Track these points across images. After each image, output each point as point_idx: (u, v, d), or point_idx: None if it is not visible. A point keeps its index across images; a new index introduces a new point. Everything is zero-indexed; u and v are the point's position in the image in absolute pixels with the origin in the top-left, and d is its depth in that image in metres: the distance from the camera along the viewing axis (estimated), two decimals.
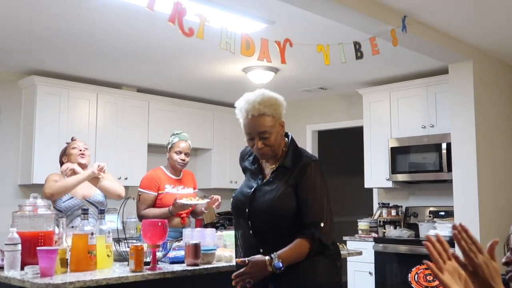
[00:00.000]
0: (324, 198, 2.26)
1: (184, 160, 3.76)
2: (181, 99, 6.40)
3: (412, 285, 2.48)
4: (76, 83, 5.48)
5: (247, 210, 2.31)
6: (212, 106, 6.70)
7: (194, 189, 3.90)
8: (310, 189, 2.24)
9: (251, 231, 2.31)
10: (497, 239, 1.31)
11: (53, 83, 5.30)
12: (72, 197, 3.55)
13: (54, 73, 5.36)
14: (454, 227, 1.25)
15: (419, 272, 2.50)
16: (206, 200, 3.69)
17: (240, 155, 2.63)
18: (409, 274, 2.50)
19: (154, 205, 3.68)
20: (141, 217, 3.61)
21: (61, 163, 3.74)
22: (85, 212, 2.64)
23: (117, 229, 3.07)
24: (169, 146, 3.76)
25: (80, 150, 3.70)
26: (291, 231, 2.23)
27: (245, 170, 2.56)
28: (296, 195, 2.24)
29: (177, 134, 3.83)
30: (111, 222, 3.21)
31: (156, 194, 3.68)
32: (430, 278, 2.47)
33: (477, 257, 1.20)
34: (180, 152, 3.74)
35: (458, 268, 1.23)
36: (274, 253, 2.14)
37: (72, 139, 3.83)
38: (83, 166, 3.67)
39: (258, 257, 2.15)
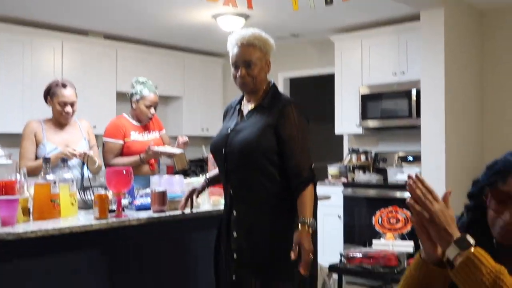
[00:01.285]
0: (308, 139, 2.31)
1: (153, 114, 3.69)
2: (151, 46, 6.26)
3: (376, 227, 2.52)
4: (39, 29, 5.29)
5: (223, 150, 2.33)
6: (183, 53, 6.58)
7: (160, 131, 3.83)
8: (295, 131, 2.26)
9: (226, 174, 2.34)
10: (450, 189, 1.35)
11: (15, 30, 5.11)
12: (55, 148, 3.31)
13: (16, 19, 5.15)
14: (409, 177, 1.25)
15: (382, 215, 2.54)
16: (180, 150, 3.66)
17: (224, 111, 2.60)
18: (373, 217, 2.54)
19: (121, 153, 3.62)
20: (110, 167, 3.54)
21: (45, 98, 3.43)
22: (64, 160, 2.62)
23: (88, 178, 3.02)
24: (138, 97, 3.62)
25: (67, 112, 3.35)
26: (265, 174, 2.24)
27: (225, 118, 2.56)
28: (277, 136, 2.26)
29: (143, 83, 3.68)
30: (83, 169, 3.18)
31: (122, 142, 3.60)
32: (393, 221, 2.51)
33: (433, 205, 1.21)
34: (150, 106, 3.64)
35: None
36: (301, 218, 2.14)
37: (63, 85, 3.40)
38: (64, 125, 3.41)
39: (299, 239, 2.14)
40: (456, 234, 1.20)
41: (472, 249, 1.17)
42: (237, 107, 2.47)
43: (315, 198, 2.27)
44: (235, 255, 2.31)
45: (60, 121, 3.39)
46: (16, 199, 2.34)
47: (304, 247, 2.12)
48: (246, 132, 2.30)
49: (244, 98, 2.45)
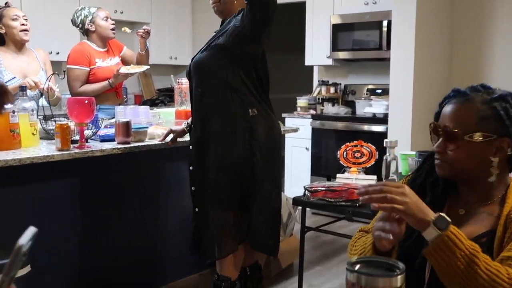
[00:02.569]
0: None
1: (114, 24, 3.58)
2: None
3: (340, 161, 2.55)
4: None
5: (190, 69, 2.41)
6: None
7: (120, 52, 3.74)
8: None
9: (192, 99, 2.41)
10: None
11: None
12: (14, 77, 3.17)
13: None
14: (360, 195, 1.18)
15: (347, 149, 2.56)
16: (146, 67, 3.59)
17: None
18: (338, 151, 2.56)
19: (87, 81, 3.51)
20: (78, 95, 3.41)
21: None
22: (23, 89, 2.53)
23: (50, 106, 2.92)
24: (90, 17, 3.51)
25: (23, 24, 3.19)
26: (226, 81, 2.30)
27: None
28: (227, 34, 2.32)
29: (83, 7, 3.58)
30: (44, 97, 3.07)
31: (88, 69, 3.48)
32: (358, 155, 2.54)
33: (399, 201, 1.14)
34: (107, 18, 3.55)
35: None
36: None
37: (7, 5, 3.26)
38: (24, 43, 3.24)
39: None
40: (432, 214, 1.15)
41: (449, 230, 1.13)
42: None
43: (278, 134, 2.43)
44: (193, 188, 2.36)
45: (20, 39, 3.20)
46: None
47: None
48: (204, 51, 2.37)
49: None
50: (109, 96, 3.55)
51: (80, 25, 3.54)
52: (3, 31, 3.18)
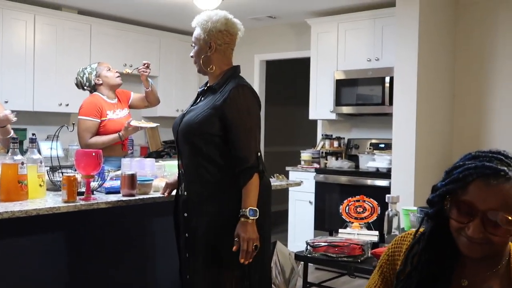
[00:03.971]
0: (253, 125, 2.27)
1: (118, 73, 3.68)
2: (126, 23, 6.15)
3: (342, 216, 2.56)
4: (10, 2, 5.15)
5: (177, 131, 2.37)
6: (159, 31, 6.49)
7: (129, 100, 3.81)
8: (240, 115, 2.23)
9: (179, 154, 2.37)
10: None
11: None
12: None
13: None
14: None
15: (349, 204, 2.58)
16: (156, 124, 3.67)
17: None
18: (340, 206, 2.58)
19: (96, 133, 3.56)
20: (88, 147, 3.47)
21: None
22: (15, 141, 2.56)
23: (57, 157, 2.97)
24: (94, 72, 3.61)
25: None
26: (208, 158, 2.24)
27: None
28: (223, 120, 2.23)
29: (84, 67, 3.68)
30: (52, 149, 3.12)
31: (99, 121, 3.54)
32: (360, 210, 2.56)
33: None
34: (109, 68, 3.65)
35: None
36: (242, 210, 2.16)
37: None
38: None
39: (238, 229, 2.16)
40: None
41: None
42: (201, 89, 2.47)
43: (269, 189, 2.28)
44: (186, 235, 2.33)
45: None
46: None
47: (242, 237, 2.14)
48: (192, 114, 2.32)
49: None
50: (115, 148, 3.61)
51: (87, 83, 3.62)
52: None
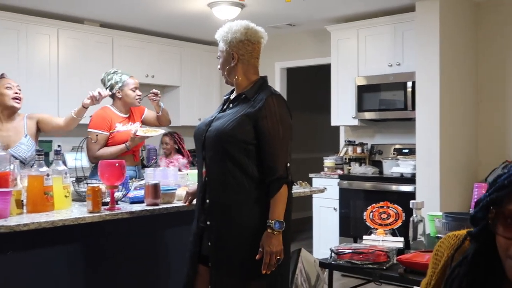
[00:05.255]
0: (286, 136, 2.25)
1: (140, 95, 3.68)
2: (147, 35, 6.23)
3: (367, 222, 2.54)
4: (35, 17, 5.26)
5: (203, 137, 2.32)
6: (180, 42, 6.56)
7: (142, 115, 3.82)
8: (275, 125, 2.21)
9: (203, 162, 2.32)
10: None
11: (10, 17, 5.07)
12: None
13: (11, 7, 5.12)
14: None
15: (374, 210, 2.56)
16: (163, 131, 3.67)
17: None
18: (364, 213, 2.56)
19: (105, 145, 3.57)
20: (96, 158, 3.50)
21: None
22: (57, 153, 2.62)
23: (82, 167, 3.01)
24: (120, 85, 3.60)
25: (16, 93, 3.24)
26: (239, 165, 2.21)
27: None
28: (256, 128, 2.22)
29: (116, 72, 3.67)
30: (77, 160, 3.17)
31: (108, 134, 3.55)
32: (384, 216, 2.53)
33: None
34: (136, 88, 3.64)
35: None
36: (269, 221, 2.15)
37: (2, 76, 3.36)
38: (15, 111, 3.25)
39: (263, 241, 2.15)
40: None
41: None
42: (227, 97, 2.47)
43: (290, 198, 2.24)
44: (209, 243, 2.30)
45: (12, 105, 3.22)
46: (9, 191, 2.35)
47: (266, 250, 2.13)
48: (223, 120, 2.28)
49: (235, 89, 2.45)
50: (126, 158, 3.59)
51: (108, 89, 3.63)
52: None
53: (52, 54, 5.38)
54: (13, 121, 3.27)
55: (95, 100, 3.20)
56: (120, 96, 3.62)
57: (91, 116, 3.65)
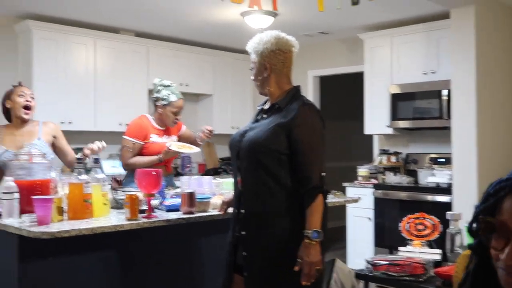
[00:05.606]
0: (320, 145, 2.25)
1: (178, 120, 3.70)
2: (181, 44, 6.32)
3: (403, 234, 2.51)
4: (72, 27, 5.40)
5: (238, 147, 2.34)
6: (213, 51, 6.62)
7: (179, 131, 3.84)
8: (308, 134, 2.22)
9: (238, 172, 2.34)
10: None
11: (49, 28, 5.22)
12: (6, 150, 3.16)
13: (50, 17, 5.27)
14: None
15: (409, 221, 2.53)
16: (198, 149, 3.68)
17: None
18: (400, 224, 2.53)
19: (139, 154, 3.60)
20: (127, 166, 3.57)
21: (4, 108, 3.31)
22: (80, 161, 2.67)
23: (119, 175, 3.08)
24: (165, 102, 3.59)
25: (27, 101, 3.25)
26: (273, 175, 2.22)
27: None
28: (290, 138, 2.22)
29: (169, 87, 3.65)
30: (114, 167, 3.24)
31: (142, 143, 3.58)
32: (420, 227, 2.50)
33: None
34: (177, 112, 3.64)
35: None
36: (305, 231, 2.15)
37: (19, 84, 3.39)
38: (24, 122, 3.28)
39: (301, 252, 2.15)
40: None
41: None
42: (260, 107, 2.48)
43: (325, 208, 2.24)
44: (244, 253, 2.30)
45: (20, 115, 3.25)
46: (50, 198, 2.41)
47: (305, 260, 2.13)
48: (257, 131, 2.30)
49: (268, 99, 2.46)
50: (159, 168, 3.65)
51: (154, 99, 3.67)
52: (9, 106, 3.27)
53: (89, 63, 5.50)
54: (27, 126, 3.32)
55: (94, 152, 3.19)
56: (160, 112, 3.63)
57: (127, 125, 3.69)
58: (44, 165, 2.71)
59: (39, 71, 5.14)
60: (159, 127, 3.68)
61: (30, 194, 2.48)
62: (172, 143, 3.54)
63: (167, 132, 3.72)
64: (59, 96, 5.26)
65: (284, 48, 2.34)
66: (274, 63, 2.33)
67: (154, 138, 3.62)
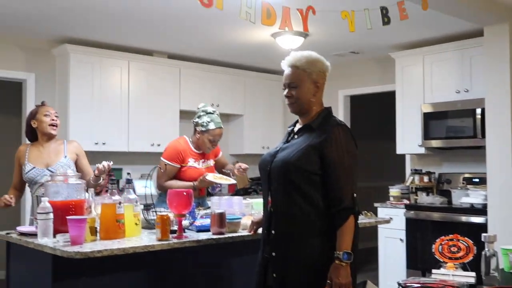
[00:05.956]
0: (352, 166, 2.23)
1: (215, 147, 3.74)
2: (212, 65, 6.40)
3: (436, 255, 2.46)
4: (107, 50, 5.54)
5: (268, 168, 2.33)
6: (244, 71, 6.69)
7: (215, 157, 3.88)
8: (341, 155, 2.20)
9: (269, 193, 2.32)
10: None
11: (85, 51, 5.37)
12: (34, 167, 3.35)
13: (86, 41, 5.43)
14: None
15: (443, 243, 2.48)
16: (233, 181, 3.71)
17: None
18: (433, 246, 2.48)
19: (175, 177, 3.67)
20: (162, 188, 3.63)
21: (29, 128, 3.45)
22: (113, 182, 2.72)
23: (151, 195, 3.11)
24: (203, 129, 3.64)
25: (53, 120, 3.40)
26: (304, 196, 2.21)
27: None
28: (322, 158, 2.21)
29: (210, 114, 3.69)
30: (146, 188, 3.27)
31: (179, 166, 3.65)
32: (454, 249, 2.45)
33: None
34: (214, 140, 3.68)
35: None
36: (336, 252, 2.13)
37: (43, 104, 3.52)
38: (51, 137, 3.43)
39: (331, 273, 2.14)
40: None
41: None
42: (291, 128, 2.48)
43: (356, 229, 2.21)
44: (274, 275, 2.29)
45: (48, 132, 3.40)
46: (84, 219, 2.46)
47: (335, 282, 2.10)
48: (289, 151, 2.29)
49: (299, 120, 2.45)
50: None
51: (194, 123, 3.72)
52: (35, 125, 3.41)
53: (123, 85, 5.63)
54: (53, 144, 3.46)
55: (102, 172, 3.26)
56: (198, 137, 3.69)
57: (166, 147, 3.76)
58: (79, 185, 2.77)
59: (75, 93, 5.28)
60: (196, 151, 3.73)
61: (65, 214, 2.54)
62: (209, 174, 3.59)
63: (204, 156, 3.77)
64: (93, 117, 5.38)
65: (327, 69, 2.36)
66: (322, 83, 2.35)
67: (191, 162, 3.68)
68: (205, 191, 3.83)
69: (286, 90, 2.35)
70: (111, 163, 3.25)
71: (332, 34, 5.19)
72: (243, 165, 3.74)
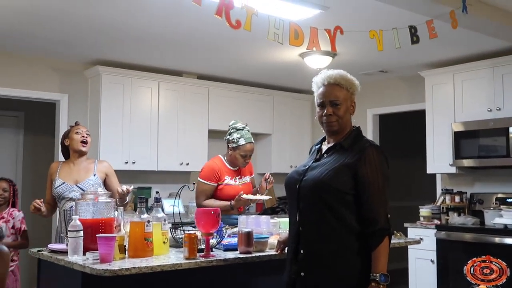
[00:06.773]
0: (385, 186, 2.21)
1: (247, 163, 3.81)
2: (241, 85, 6.46)
3: (467, 277, 2.41)
4: (138, 72, 5.65)
5: (297, 186, 2.30)
6: (271, 91, 6.72)
7: (251, 175, 3.95)
8: (375, 175, 2.18)
9: (297, 212, 2.28)
10: None
11: (116, 73, 5.49)
12: (64, 183, 3.51)
13: (118, 63, 5.55)
14: None
15: (475, 265, 2.43)
16: (268, 197, 3.75)
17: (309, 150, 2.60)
18: (465, 267, 2.43)
19: (212, 195, 3.75)
20: (201, 207, 3.65)
21: (63, 146, 3.66)
22: (142, 201, 2.75)
23: (179, 213, 3.14)
24: (234, 145, 3.73)
25: (83, 136, 3.58)
26: (336, 215, 2.18)
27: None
28: (355, 178, 2.18)
29: (240, 130, 3.78)
30: (173, 206, 3.31)
31: (216, 185, 3.74)
32: (486, 271, 2.39)
33: None
34: (246, 156, 3.77)
35: None
36: (373, 274, 2.11)
37: (76, 124, 3.73)
38: (83, 154, 3.60)
39: None
40: None
41: None
42: (318, 146, 2.46)
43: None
44: None
45: (79, 149, 3.56)
46: (113, 237, 2.49)
47: None
48: (320, 170, 2.26)
49: (326, 139, 2.42)
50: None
51: (226, 140, 3.81)
52: (67, 143, 3.61)
53: (153, 105, 5.72)
54: (84, 162, 3.63)
55: (122, 196, 3.31)
56: (230, 154, 3.79)
57: (202, 169, 3.83)
58: (109, 204, 2.81)
59: (106, 113, 5.39)
60: (231, 168, 3.82)
61: (94, 232, 2.58)
62: (243, 193, 3.64)
63: (240, 172, 3.85)
64: (123, 136, 5.47)
65: (359, 89, 2.36)
66: (355, 103, 2.36)
67: (227, 180, 3.77)
68: (243, 209, 3.88)
69: (328, 108, 2.30)
70: (132, 187, 3.34)
71: (360, 53, 5.19)
72: (267, 174, 3.83)
